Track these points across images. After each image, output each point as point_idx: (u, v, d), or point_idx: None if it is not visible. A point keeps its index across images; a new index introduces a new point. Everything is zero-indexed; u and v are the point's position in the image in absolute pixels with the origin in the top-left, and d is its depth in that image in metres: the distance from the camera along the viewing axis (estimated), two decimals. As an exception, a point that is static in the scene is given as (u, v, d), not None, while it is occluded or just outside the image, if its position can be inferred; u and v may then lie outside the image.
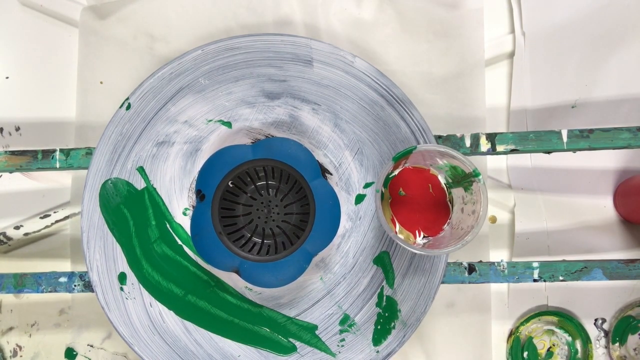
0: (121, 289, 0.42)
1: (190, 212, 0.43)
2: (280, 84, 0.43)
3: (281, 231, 0.44)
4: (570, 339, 0.51)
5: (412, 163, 0.40)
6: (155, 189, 0.43)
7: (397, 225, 0.40)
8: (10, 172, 0.45)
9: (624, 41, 0.50)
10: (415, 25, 0.51)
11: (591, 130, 0.42)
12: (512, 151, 0.43)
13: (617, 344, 0.50)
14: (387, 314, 0.42)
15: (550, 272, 0.43)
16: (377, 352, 0.41)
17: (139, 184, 0.43)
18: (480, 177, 0.35)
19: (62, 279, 0.44)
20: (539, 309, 0.51)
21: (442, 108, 0.51)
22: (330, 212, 0.41)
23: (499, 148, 0.43)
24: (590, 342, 0.50)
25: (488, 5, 0.51)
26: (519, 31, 0.51)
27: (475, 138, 0.43)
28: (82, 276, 0.44)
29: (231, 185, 0.43)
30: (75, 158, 0.44)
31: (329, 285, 0.43)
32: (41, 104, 0.53)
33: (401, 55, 0.51)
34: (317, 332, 0.42)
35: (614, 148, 0.42)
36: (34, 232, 0.52)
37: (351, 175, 0.43)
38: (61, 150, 0.44)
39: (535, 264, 0.43)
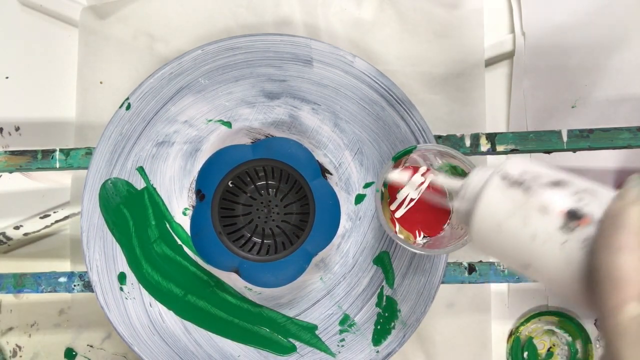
0: (121, 289, 0.42)
1: (190, 212, 0.43)
2: (280, 84, 0.43)
3: (281, 231, 0.43)
4: (570, 339, 0.51)
5: (412, 163, 0.40)
6: (155, 189, 0.43)
7: (397, 225, 0.40)
8: (10, 172, 0.45)
9: (624, 41, 0.50)
10: (415, 25, 0.51)
11: (591, 130, 0.42)
12: (512, 151, 0.43)
13: (617, 344, 0.50)
14: (387, 314, 0.42)
15: (550, 272, 0.42)
16: (377, 352, 0.41)
17: (139, 184, 0.43)
18: (480, 177, 0.35)
19: (62, 279, 0.44)
20: (539, 309, 0.51)
21: (442, 108, 0.51)
22: (330, 212, 0.41)
23: (499, 148, 0.43)
24: (591, 343, 0.50)
25: (488, 5, 0.51)
26: (519, 31, 0.51)
27: (475, 138, 0.43)
28: (82, 276, 0.44)
29: (231, 185, 0.43)
30: (75, 158, 0.44)
31: (329, 285, 0.43)
32: (41, 104, 0.53)
33: (401, 55, 0.51)
34: (317, 332, 0.42)
35: (614, 148, 0.42)
36: (34, 232, 0.52)
37: (351, 175, 0.43)
38: (61, 150, 0.44)
39: (535, 264, 0.43)
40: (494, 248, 0.25)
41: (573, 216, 0.22)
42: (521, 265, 0.24)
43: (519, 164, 0.26)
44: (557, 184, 0.24)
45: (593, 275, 0.21)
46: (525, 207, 0.24)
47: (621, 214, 0.21)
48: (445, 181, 0.31)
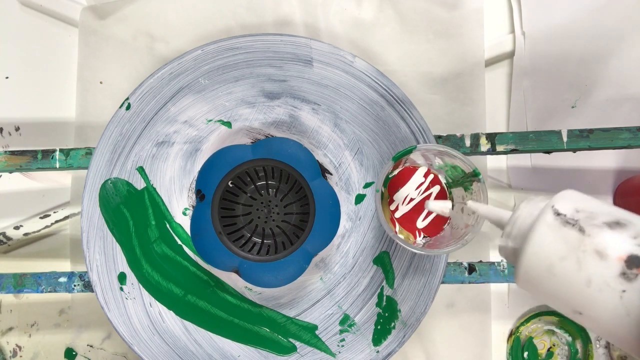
0: (121, 289, 0.42)
1: (190, 212, 0.43)
2: (280, 84, 0.43)
3: (281, 231, 0.43)
4: (570, 339, 0.51)
5: (412, 163, 0.40)
6: (155, 189, 0.43)
7: (397, 225, 0.40)
8: (10, 172, 0.45)
9: (624, 41, 0.50)
10: (415, 25, 0.51)
11: (591, 130, 0.42)
12: (512, 151, 0.43)
13: (617, 344, 0.50)
14: (387, 314, 0.42)
15: (550, 272, 0.42)
16: (377, 352, 0.41)
17: (139, 184, 0.43)
18: (481, 176, 0.35)
19: (62, 279, 0.44)
20: (539, 309, 0.51)
21: (442, 108, 0.51)
22: (330, 212, 0.41)
23: (499, 148, 0.43)
24: (591, 342, 0.50)
25: (488, 5, 0.51)
26: (519, 31, 0.51)
27: (475, 138, 0.43)
28: (82, 276, 0.44)
29: (231, 185, 0.43)
30: (75, 158, 0.44)
31: (329, 285, 0.43)
32: (41, 104, 0.53)
33: (401, 55, 0.51)
34: (317, 332, 0.42)
35: (614, 148, 0.42)
36: (34, 232, 0.52)
37: (351, 175, 0.43)
38: (61, 150, 0.44)
39: (535, 264, 0.43)
40: (544, 291, 0.23)
41: (634, 263, 0.20)
42: (573, 311, 0.22)
43: (572, 200, 0.24)
44: (614, 224, 0.22)
45: None
46: (580, 250, 0.22)
47: None
48: (489, 212, 0.28)
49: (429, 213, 0.40)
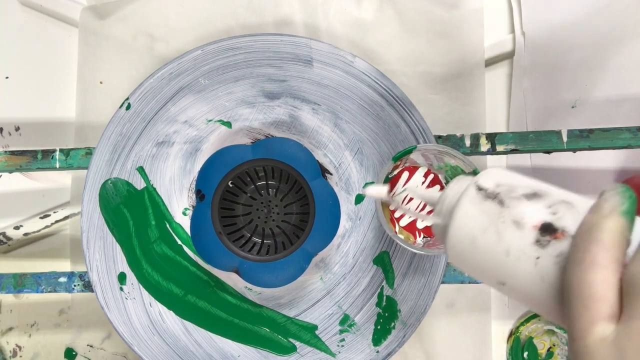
0: (121, 289, 0.42)
1: (190, 212, 0.43)
2: (280, 84, 0.43)
3: (281, 231, 0.43)
4: (570, 339, 0.51)
5: (412, 163, 0.40)
6: (155, 189, 0.43)
7: (397, 225, 0.40)
8: (10, 172, 0.45)
9: (624, 41, 0.50)
10: (415, 25, 0.51)
11: (591, 130, 0.42)
12: (512, 151, 0.43)
13: (617, 344, 0.50)
14: (387, 314, 0.42)
15: (550, 272, 0.42)
16: (377, 352, 0.41)
17: (139, 184, 0.43)
18: (480, 177, 0.35)
19: (62, 279, 0.44)
20: (539, 309, 0.51)
21: (442, 108, 0.51)
22: (330, 212, 0.41)
23: (499, 148, 0.43)
24: (591, 342, 0.50)
25: (488, 5, 0.51)
26: (519, 31, 0.51)
27: (475, 138, 0.43)
28: (82, 276, 0.44)
29: (231, 185, 0.43)
30: (75, 158, 0.44)
31: (329, 285, 0.43)
32: (41, 104, 0.53)
33: (401, 55, 0.51)
34: (317, 332, 0.42)
35: (614, 148, 0.42)
36: (34, 232, 0.52)
37: (351, 175, 0.43)
38: (61, 150, 0.44)
39: (535, 264, 0.43)
40: (470, 265, 0.24)
41: (546, 230, 0.21)
42: (497, 282, 0.23)
43: (494, 176, 0.25)
44: (531, 196, 0.23)
45: (564, 293, 0.20)
46: (500, 221, 0.22)
47: (594, 227, 0.19)
48: (423, 194, 0.30)
49: (430, 212, 0.39)
